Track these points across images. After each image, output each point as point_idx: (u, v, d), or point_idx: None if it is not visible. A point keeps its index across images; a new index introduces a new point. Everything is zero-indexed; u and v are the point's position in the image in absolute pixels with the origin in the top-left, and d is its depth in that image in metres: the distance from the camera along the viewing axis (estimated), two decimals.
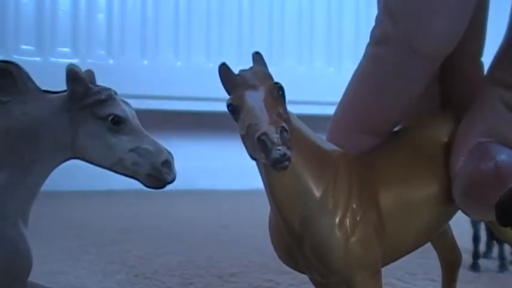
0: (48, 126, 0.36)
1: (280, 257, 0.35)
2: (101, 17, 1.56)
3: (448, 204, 0.34)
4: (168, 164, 0.36)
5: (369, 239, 0.32)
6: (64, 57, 1.50)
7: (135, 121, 0.36)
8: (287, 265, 0.36)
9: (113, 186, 1.35)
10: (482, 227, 0.67)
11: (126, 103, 0.37)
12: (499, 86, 0.33)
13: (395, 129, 0.37)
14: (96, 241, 0.84)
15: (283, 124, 0.27)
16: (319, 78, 1.65)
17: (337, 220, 0.31)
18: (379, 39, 0.34)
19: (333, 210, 0.31)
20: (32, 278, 0.37)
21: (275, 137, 0.27)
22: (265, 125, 0.27)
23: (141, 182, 0.36)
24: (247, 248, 0.80)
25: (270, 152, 0.27)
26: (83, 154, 0.36)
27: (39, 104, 0.36)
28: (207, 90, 1.57)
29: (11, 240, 0.35)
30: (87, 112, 0.36)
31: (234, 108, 0.29)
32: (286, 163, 0.27)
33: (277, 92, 0.29)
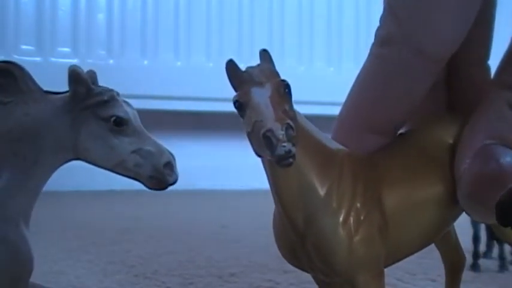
0: (50, 127, 0.35)
1: (283, 255, 0.35)
2: (101, 17, 1.56)
3: (452, 205, 0.34)
4: (170, 165, 0.36)
5: (373, 239, 0.32)
6: (64, 57, 1.50)
7: (137, 122, 0.36)
8: (291, 264, 0.36)
9: (113, 186, 1.35)
10: (483, 227, 0.67)
11: (129, 104, 0.37)
12: (506, 89, 0.33)
13: (401, 131, 0.37)
14: (96, 241, 0.84)
15: (289, 121, 0.27)
16: (319, 78, 1.65)
17: (341, 219, 0.31)
18: (383, 40, 0.35)
19: (337, 209, 0.31)
20: (32, 278, 0.37)
21: (280, 133, 0.27)
22: (271, 122, 0.27)
23: (143, 184, 0.36)
24: (247, 248, 0.80)
25: (275, 149, 0.27)
26: (84, 155, 0.36)
27: (41, 104, 0.36)
28: (207, 90, 1.57)
29: (12, 242, 0.35)
30: (89, 113, 0.36)
31: (240, 105, 0.29)
32: (291, 160, 0.27)
33: (283, 90, 0.29)
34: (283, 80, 0.30)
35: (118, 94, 0.37)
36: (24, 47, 1.49)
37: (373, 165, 0.34)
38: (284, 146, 0.27)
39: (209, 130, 1.69)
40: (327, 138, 0.34)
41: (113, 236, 0.89)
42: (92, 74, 0.37)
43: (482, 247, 0.69)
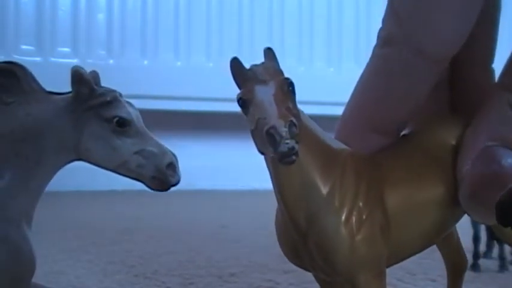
0: (53, 127, 0.35)
1: (285, 254, 0.36)
2: (101, 17, 1.56)
3: (454, 206, 0.34)
4: (172, 166, 0.36)
5: (374, 238, 0.32)
6: (64, 57, 1.50)
7: (140, 123, 0.36)
8: (293, 263, 0.36)
9: (113, 186, 1.35)
10: (483, 228, 0.67)
11: (131, 105, 0.37)
12: (508, 91, 0.33)
13: (405, 132, 0.37)
14: (96, 241, 0.84)
15: (292, 118, 0.28)
16: (319, 78, 1.65)
17: (343, 218, 0.31)
18: (385, 40, 0.35)
19: (339, 208, 0.31)
20: (33, 278, 0.37)
21: (283, 130, 0.27)
22: (274, 119, 0.27)
23: (146, 184, 0.36)
24: (247, 248, 0.80)
25: (278, 146, 0.27)
26: (87, 156, 0.36)
27: (43, 105, 0.36)
28: (207, 90, 1.57)
29: (14, 242, 0.35)
30: (92, 114, 0.35)
31: (244, 102, 0.29)
32: (294, 157, 0.27)
33: (287, 87, 0.29)
34: (287, 78, 0.30)
35: (121, 95, 0.37)
36: (24, 47, 1.50)
37: (376, 165, 0.34)
38: (287, 143, 0.27)
39: (209, 130, 1.69)
40: (330, 137, 0.34)
41: (113, 236, 0.89)
42: (95, 75, 0.37)
43: (482, 247, 0.69)
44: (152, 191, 0.37)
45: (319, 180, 0.31)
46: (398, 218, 0.33)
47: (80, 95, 0.36)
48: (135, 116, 0.36)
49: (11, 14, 1.49)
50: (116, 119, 0.35)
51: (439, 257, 0.44)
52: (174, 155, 0.36)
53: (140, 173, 0.36)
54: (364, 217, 0.32)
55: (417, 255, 0.37)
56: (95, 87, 0.36)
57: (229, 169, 1.64)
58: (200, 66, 1.59)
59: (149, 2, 1.59)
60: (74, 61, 1.48)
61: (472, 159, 0.32)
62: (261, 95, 0.29)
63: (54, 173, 0.37)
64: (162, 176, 0.35)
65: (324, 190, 0.31)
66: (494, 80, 0.36)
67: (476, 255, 0.66)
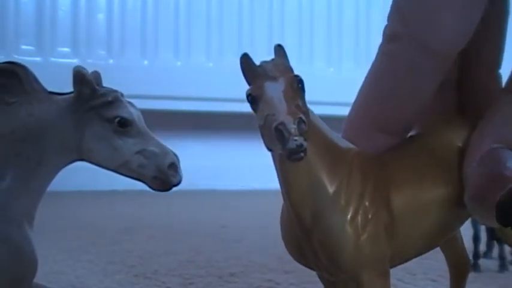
0: (54, 127, 0.35)
1: (290, 252, 0.36)
2: (101, 17, 1.56)
3: (459, 208, 0.34)
4: (174, 166, 0.36)
5: (379, 238, 0.32)
6: (64, 57, 1.50)
7: (142, 123, 0.36)
8: (297, 261, 0.36)
9: (113, 186, 1.36)
10: (483, 228, 0.67)
11: (133, 105, 0.37)
12: None
13: (412, 133, 0.37)
14: (96, 241, 0.84)
15: (301, 115, 0.28)
16: (319, 78, 1.65)
17: (348, 217, 0.31)
18: (390, 38, 0.35)
19: (345, 207, 0.31)
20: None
21: (292, 127, 0.27)
22: (283, 115, 0.27)
23: (147, 185, 0.36)
24: (247, 248, 0.80)
25: (287, 142, 0.27)
26: (88, 156, 0.36)
27: (45, 105, 0.36)
28: (207, 90, 1.57)
29: (16, 243, 0.35)
30: (94, 114, 0.36)
31: (253, 99, 0.29)
32: (302, 154, 0.27)
33: (296, 84, 0.29)
34: (297, 75, 0.30)
35: (122, 95, 0.37)
36: (24, 47, 1.50)
37: (382, 165, 0.34)
38: (296, 140, 0.27)
39: (209, 130, 1.69)
40: (337, 136, 0.34)
41: (113, 236, 0.89)
42: (97, 75, 0.37)
43: (482, 247, 0.69)
44: (152, 191, 0.37)
45: (326, 178, 0.32)
46: (404, 218, 0.33)
47: (81, 95, 0.36)
48: (137, 116, 0.36)
49: (11, 14, 1.49)
50: (117, 119, 0.35)
51: (440, 257, 0.44)
52: (175, 155, 0.36)
53: (142, 173, 0.36)
54: (369, 216, 0.32)
55: None
56: (97, 87, 0.36)
57: (229, 169, 1.64)
58: (200, 66, 1.59)
59: (149, 2, 1.59)
60: (74, 61, 1.48)
61: (477, 161, 0.32)
62: (271, 92, 0.29)
63: (56, 173, 0.37)
64: (163, 176, 0.35)
65: (331, 189, 0.32)
66: (501, 84, 0.37)
67: (476, 255, 0.66)
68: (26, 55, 1.46)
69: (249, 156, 1.70)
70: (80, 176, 1.17)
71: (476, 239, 0.66)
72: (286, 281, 0.60)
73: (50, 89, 0.37)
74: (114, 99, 0.36)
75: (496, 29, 0.36)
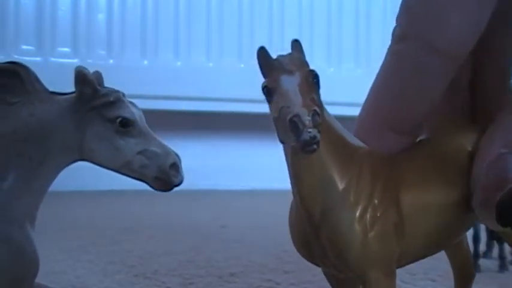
0: (56, 127, 0.35)
1: (297, 248, 0.36)
2: (101, 17, 1.56)
3: (467, 212, 0.34)
4: (175, 166, 0.36)
5: (387, 236, 0.32)
6: (64, 57, 1.50)
7: (143, 123, 0.36)
8: (304, 257, 0.36)
9: (113, 186, 1.35)
10: (483, 228, 0.67)
11: (134, 105, 0.37)
12: None
13: (422, 137, 0.37)
14: (97, 241, 0.84)
15: (316, 108, 0.28)
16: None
17: (357, 214, 0.32)
18: (399, 38, 0.35)
19: (354, 204, 0.32)
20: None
21: (307, 119, 0.27)
22: (298, 108, 0.28)
23: (149, 185, 0.36)
24: (247, 248, 0.80)
25: (301, 134, 0.27)
26: (90, 156, 0.36)
27: (47, 105, 0.36)
28: (207, 90, 1.57)
29: (17, 243, 0.35)
30: (95, 114, 0.36)
31: (269, 91, 0.30)
32: (315, 146, 0.27)
33: (312, 79, 0.30)
34: (313, 70, 0.30)
35: (124, 95, 0.37)
36: (24, 47, 1.50)
37: (393, 165, 0.34)
38: (310, 132, 0.27)
39: (209, 130, 1.69)
40: (349, 134, 0.34)
41: (113, 236, 0.89)
42: (98, 75, 0.37)
43: (482, 247, 0.69)
44: (152, 191, 0.37)
45: (336, 175, 0.32)
46: (412, 219, 0.33)
47: (83, 95, 0.36)
48: (138, 116, 0.36)
49: (11, 14, 1.49)
50: (119, 119, 0.35)
51: (439, 257, 0.44)
52: (177, 155, 0.36)
53: (143, 173, 0.36)
54: (378, 214, 0.32)
55: None
56: (98, 87, 0.36)
57: (229, 169, 1.64)
58: (200, 66, 1.59)
59: (149, 2, 1.59)
60: (74, 61, 1.48)
61: (486, 166, 0.32)
62: (286, 85, 0.29)
63: (58, 173, 0.37)
64: (165, 177, 0.36)
65: (341, 185, 0.32)
66: None
67: (476, 255, 0.66)
68: (26, 55, 1.46)
69: (249, 156, 1.70)
70: (80, 175, 1.17)
71: (476, 239, 0.66)
72: (286, 281, 0.60)
73: (50, 89, 0.37)
74: (115, 99, 0.36)
75: (509, 31, 0.36)
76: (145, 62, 1.58)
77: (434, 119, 0.37)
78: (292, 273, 0.63)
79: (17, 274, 0.35)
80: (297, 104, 0.28)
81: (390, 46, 0.36)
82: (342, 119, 0.36)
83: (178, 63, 1.61)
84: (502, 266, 0.66)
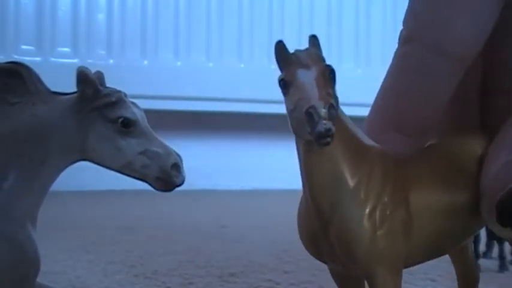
0: (57, 127, 0.35)
1: (304, 245, 0.36)
2: (101, 17, 1.56)
3: (474, 216, 0.35)
4: (177, 167, 0.36)
5: (396, 235, 0.32)
6: (64, 57, 1.50)
7: (145, 123, 0.37)
8: (310, 254, 0.36)
9: (113, 186, 1.35)
10: (482, 228, 0.67)
11: (136, 105, 0.37)
12: None
13: (433, 141, 0.38)
14: (96, 241, 0.84)
15: (332, 101, 0.28)
16: None
17: (367, 211, 0.32)
18: (405, 40, 0.35)
19: (364, 201, 0.32)
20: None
21: (323, 111, 0.27)
22: (314, 100, 0.28)
23: (150, 185, 0.36)
24: (247, 248, 0.80)
25: (316, 125, 0.27)
26: (92, 156, 0.36)
27: (48, 105, 0.36)
28: (207, 90, 1.57)
29: (19, 242, 0.35)
30: (97, 114, 0.36)
31: (285, 84, 0.30)
32: (329, 139, 0.28)
33: (328, 74, 0.30)
34: (329, 65, 0.31)
35: (126, 95, 0.37)
36: (24, 47, 1.50)
37: (404, 166, 0.34)
38: (325, 124, 0.27)
39: (209, 130, 1.69)
40: (362, 134, 0.34)
41: (113, 235, 0.89)
42: (100, 75, 0.37)
43: (482, 247, 0.69)
44: (152, 191, 0.37)
45: (347, 172, 0.32)
46: (421, 220, 0.33)
47: (85, 95, 0.36)
48: (140, 117, 0.36)
49: (11, 14, 1.49)
50: (120, 120, 0.35)
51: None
52: (178, 155, 0.36)
53: (145, 173, 0.36)
54: (388, 213, 0.32)
55: None
56: (100, 87, 0.36)
57: (229, 169, 1.64)
58: (200, 66, 1.59)
59: (149, 2, 1.59)
60: (74, 61, 1.48)
61: (493, 173, 0.33)
62: (303, 78, 0.29)
63: (59, 173, 0.37)
64: (166, 177, 0.36)
65: (351, 182, 0.32)
66: None
67: (476, 255, 0.66)
68: (26, 55, 1.46)
69: (249, 156, 1.70)
70: (80, 176, 1.17)
71: (476, 238, 0.66)
72: (286, 281, 0.60)
73: (50, 88, 0.37)
74: (117, 99, 0.36)
75: None
76: (145, 62, 1.58)
77: (443, 124, 0.37)
78: (292, 273, 0.63)
79: (18, 274, 0.35)
80: (313, 97, 0.28)
81: (397, 49, 0.36)
82: None
83: (178, 63, 1.61)
84: (502, 266, 0.66)
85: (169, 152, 0.36)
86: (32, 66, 0.36)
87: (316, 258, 0.36)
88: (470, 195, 0.34)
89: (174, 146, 0.37)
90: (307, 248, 0.36)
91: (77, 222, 1.02)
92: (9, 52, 1.45)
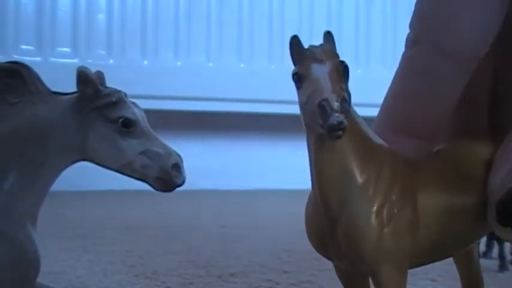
0: (58, 127, 0.35)
1: (311, 242, 0.36)
2: (101, 17, 1.56)
3: (480, 220, 0.35)
4: (177, 167, 0.36)
5: (402, 233, 0.33)
6: (64, 57, 1.50)
7: (145, 124, 0.37)
8: (317, 251, 0.36)
9: (113, 186, 1.35)
10: None
11: (136, 105, 0.37)
12: None
13: (441, 146, 0.38)
14: (97, 241, 0.84)
15: (345, 95, 0.29)
16: None
17: (375, 208, 0.32)
18: (411, 42, 0.35)
19: (373, 198, 0.32)
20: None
21: (335, 104, 0.28)
22: (328, 93, 0.28)
23: (150, 185, 0.36)
24: (247, 248, 0.80)
25: (329, 117, 0.28)
26: (92, 156, 0.36)
27: (49, 105, 0.36)
28: (207, 90, 1.57)
29: (19, 242, 0.35)
30: (97, 114, 0.36)
31: (299, 77, 0.30)
32: (341, 132, 0.28)
33: (342, 69, 0.31)
34: (343, 61, 0.31)
35: (126, 95, 0.37)
36: (24, 47, 1.49)
37: (412, 167, 0.35)
38: (337, 116, 0.28)
39: (209, 130, 1.68)
40: (372, 132, 0.35)
41: (113, 235, 0.89)
42: (100, 75, 0.37)
43: (482, 247, 0.69)
44: (152, 191, 0.37)
45: (357, 169, 0.32)
46: (427, 220, 0.34)
47: (85, 95, 0.36)
48: (140, 117, 0.36)
49: (11, 14, 1.49)
50: (121, 120, 0.35)
51: None
52: (179, 155, 0.36)
53: (145, 173, 0.36)
54: (395, 211, 0.32)
55: None
56: (100, 87, 0.36)
57: (229, 169, 1.64)
58: (200, 66, 1.59)
59: (149, 2, 1.59)
60: (74, 61, 1.48)
61: (500, 179, 0.33)
62: (317, 72, 0.30)
63: (59, 173, 0.37)
64: (166, 177, 0.36)
65: (360, 179, 0.32)
66: None
67: None
68: (26, 55, 1.46)
69: (249, 156, 1.70)
70: (80, 175, 1.17)
71: None
72: (286, 281, 0.60)
73: (50, 89, 0.37)
74: (118, 99, 0.36)
75: None
76: (145, 62, 1.58)
77: (452, 129, 0.38)
78: (292, 273, 0.63)
79: (19, 274, 0.35)
80: (327, 90, 0.29)
81: (404, 51, 0.36)
82: None
83: (178, 63, 1.60)
84: (502, 266, 0.66)
85: (169, 152, 0.36)
86: (32, 66, 0.36)
87: (322, 255, 0.36)
88: (477, 200, 0.35)
89: (174, 146, 0.37)
90: (314, 245, 0.36)
91: (77, 222, 1.02)
92: (9, 52, 1.45)
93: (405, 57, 0.36)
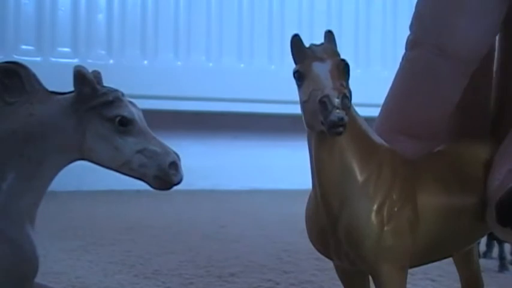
0: (55, 127, 0.36)
1: (312, 241, 0.36)
2: (101, 17, 1.56)
3: (480, 221, 0.35)
4: (175, 165, 0.36)
5: (403, 232, 0.33)
6: (64, 57, 1.50)
7: (143, 122, 0.37)
8: (317, 250, 0.36)
9: (113, 186, 1.35)
10: None
11: (134, 104, 0.37)
12: None
13: (441, 147, 0.38)
14: (96, 241, 0.84)
15: (346, 92, 0.29)
16: None
17: (375, 206, 0.32)
18: (411, 44, 0.36)
19: (373, 196, 0.32)
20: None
21: (336, 100, 0.28)
22: (329, 89, 0.29)
23: (148, 184, 0.36)
24: (247, 248, 0.80)
25: (329, 114, 0.28)
26: (89, 155, 0.36)
27: (46, 105, 0.36)
28: (207, 90, 1.57)
29: (17, 242, 0.35)
30: (95, 113, 0.36)
31: (300, 75, 0.31)
32: (342, 129, 0.28)
33: (343, 67, 0.31)
34: (344, 60, 0.31)
35: (123, 94, 0.37)
36: (24, 47, 1.49)
37: (412, 167, 0.35)
38: (338, 113, 0.28)
39: (209, 130, 1.68)
40: (373, 132, 0.35)
41: (112, 235, 0.89)
42: (97, 74, 0.37)
43: (482, 247, 0.69)
44: (152, 191, 0.37)
45: (357, 167, 0.32)
46: (427, 220, 0.34)
47: (82, 94, 0.36)
48: (138, 115, 0.36)
49: (11, 14, 1.49)
50: (118, 118, 0.35)
51: None
52: (176, 154, 0.36)
53: (143, 172, 0.36)
54: (395, 209, 0.33)
55: None
56: (98, 86, 0.36)
57: (229, 169, 1.64)
58: (200, 66, 1.59)
59: (149, 2, 1.59)
60: (74, 61, 1.48)
61: (498, 180, 0.33)
62: (318, 70, 0.30)
63: (57, 172, 0.37)
64: (164, 175, 0.36)
65: (360, 177, 0.32)
66: None
67: None
68: (26, 55, 1.46)
69: (249, 156, 1.70)
70: (80, 175, 1.17)
71: None
72: (286, 281, 0.60)
73: (50, 89, 0.37)
74: (114, 98, 0.36)
75: None
76: (145, 62, 1.58)
77: (452, 130, 0.38)
78: (292, 273, 0.63)
79: (17, 274, 0.35)
80: (328, 86, 0.29)
81: (404, 53, 0.37)
82: None
83: (178, 63, 1.60)
84: (502, 266, 0.66)
85: (167, 151, 0.36)
86: (32, 66, 0.36)
87: (322, 254, 0.36)
88: (476, 201, 0.35)
89: (174, 145, 0.37)
90: (314, 244, 0.36)
91: (77, 222, 1.02)
92: (9, 52, 1.45)
93: (406, 59, 0.37)
